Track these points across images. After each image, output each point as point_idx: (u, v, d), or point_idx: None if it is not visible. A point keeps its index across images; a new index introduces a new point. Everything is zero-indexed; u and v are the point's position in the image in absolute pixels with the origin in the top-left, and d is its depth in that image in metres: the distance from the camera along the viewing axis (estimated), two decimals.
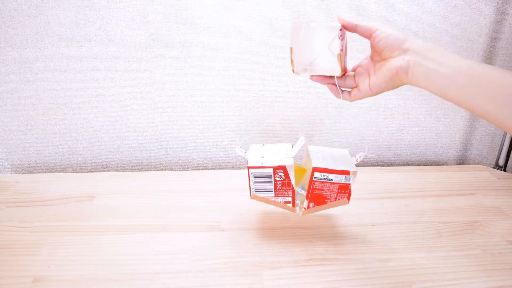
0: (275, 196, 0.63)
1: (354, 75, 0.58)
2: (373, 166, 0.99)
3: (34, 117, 0.86)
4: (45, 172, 0.92)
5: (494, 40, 0.88)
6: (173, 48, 0.82)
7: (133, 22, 0.79)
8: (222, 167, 0.96)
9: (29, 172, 0.91)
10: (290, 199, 0.63)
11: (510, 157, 0.94)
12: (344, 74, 0.58)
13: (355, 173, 0.61)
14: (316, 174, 0.61)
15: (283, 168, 0.61)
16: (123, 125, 0.89)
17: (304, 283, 0.58)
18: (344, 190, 0.62)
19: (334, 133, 0.94)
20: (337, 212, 0.74)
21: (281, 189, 0.63)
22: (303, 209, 0.64)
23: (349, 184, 0.62)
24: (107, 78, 0.84)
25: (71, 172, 0.92)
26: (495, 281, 0.60)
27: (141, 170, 0.94)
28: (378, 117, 0.94)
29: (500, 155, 0.95)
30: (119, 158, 0.92)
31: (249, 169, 0.62)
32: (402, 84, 0.53)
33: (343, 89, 0.59)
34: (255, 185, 0.63)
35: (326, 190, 0.62)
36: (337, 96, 0.59)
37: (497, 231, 0.71)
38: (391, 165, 1.00)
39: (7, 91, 0.83)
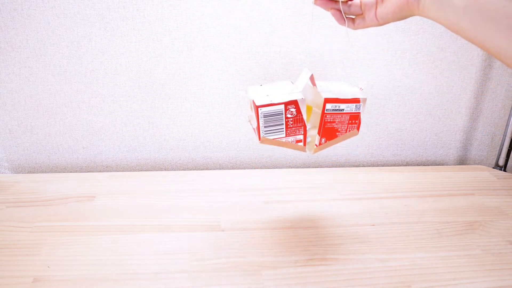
0: (286, 136, 0.59)
1: (360, 2, 0.55)
2: (373, 166, 0.99)
3: (34, 117, 0.86)
4: (45, 172, 0.92)
5: None
6: (173, 48, 0.82)
7: (133, 22, 0.79)
8: (222, 167, 0.96)
9: (29, 172, 0.91)
10: (301, 137, 0.59)
11: (510, 157, 0.94)
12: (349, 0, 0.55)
13: (364, 100, 0.59)
14: (328, 106, 0.57)
15: (295, 103, 0.57)
16: (123, 125, 0.89)
17: (304, 283, 0.58)
18: (354, 120, 0.59)
19: None
20: (337, 212, 0.75)
21: (293, 127, 0.58)
22: (315, 146, 0.61)
23: (359, 113, 0.59)
24: (107, 78, 0.84)
25: (71, 172, 0.92)
26: (495, 281, 0.60)
27: (141, 170, 0.94)
28: (378, 117, 0.94)
29: (500, 155, 0.95)
30: (119, 158, 0.92)
31: (258, 109, 0.56)
32: (412, 15, 0.50)
33: (347, 16, 0.56)
34: (265, 127, 0.58)
35: (337, 122, 0.59)
36: (341, 22, 0.56)
37: (497, 231, 0.71)
38: (391, 165, 1.00)
39: (7, 91, 0.83)
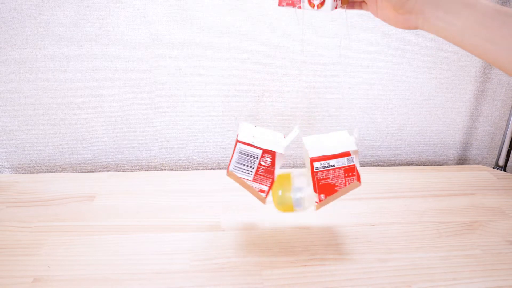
0: (252, 181, 0.60)
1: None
2: (373, 166, 0.99)
3: (34, 117, 0.86)
4: (45, 172, 0.92)
5: None
6: (173, 48, 0.82)
7: (133, 22, 0.79)
8: (222, 167, 0.96)
9: (29, 172, 0.91)
10: (266, 188, 0.60)
11: (510, 157, 0.94)
12: None
13: (356, 152, 0.58)
14: (316, 164, 0.58)
15: (272, 154, 0.58)
16: (123, 125, 0.89)
17: (304, 283, 0.58)
18: (351, 173, 0.59)
19: None
20: (337, 212, 0.74)
21: (262, 175, 0.59)
22: (316, 204, 0.61)
23: (354, 165, 0.58)
24: (107, 78, 0.84)
25: (71, 172, 0.92)
26: (495, 281, 0.60)
27: (141, 170, 0.94)
28: (378, 117, 0.94)
29: (500, 155, 0.95)
30: (119, 158, 0.92)
31: (238, 143, 0.58)
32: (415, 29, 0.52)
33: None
34: (236, 162, 0.59)
35: (332, 177, 0.59)
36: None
37: (497, 231, 0.71)
38: (391, 165, 1.00)
39: (7, 91, 0.83)
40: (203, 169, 0.95)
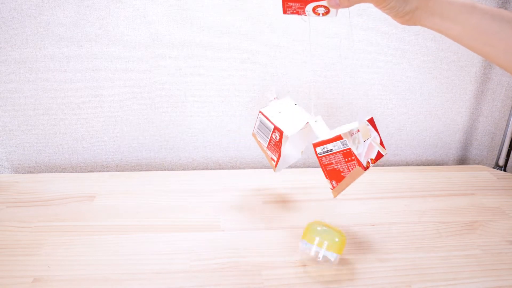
0: (267, 147, 0.67)
1: None
2: (373, 166, 0.99)
3: (34, 117, 0.86)
4: (45, 172, 0.92)
5: None
6: (173, 48, 0.82)
7: (133, 22, 0.79)
8: (222, 167, 0.96)
9: (29, 172, 0.91)
10: (275, 158, 0.66)
11: (510, 157, 0.94)
12: None
13: (347, 135, 0.58)
14: (318, 149, 0.61)
15: (281, 133, 0.63)
16: (123, 125, 0.89)
17: (304, 283, 0.58)
18: (350, 157, 0.59)
19: None
20: (337, 212, 0.75)
21: (273, 147, 0.66)
22: (331, 189, 0.64)
23: (349, 148, 0.59)
24: (107, 78, 0.84)
25: (71, 172, 0.92)
26: (495, 281, 0.60)
27: (141, 170, 0.94)
28: (378, 117, 0.94)
29: (500, 155, 0.95)
30: (119, 158, 0.92)
31: (260, 113, 0.67)
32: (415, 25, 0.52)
33: None
34: (258, 128, 0.68)
35: (335, 162, 0.61)
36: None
37: (497, 231, 0.71)
38: (391, 165, 1.00)
39: (7, 91, 0.83)
40: (203, 169, 0.95)
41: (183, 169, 0.95)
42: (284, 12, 0.56)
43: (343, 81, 0.89)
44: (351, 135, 0.59)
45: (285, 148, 0.67)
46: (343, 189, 0.64)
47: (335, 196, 0.65)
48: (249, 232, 0.68)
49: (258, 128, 0.68)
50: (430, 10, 0.49)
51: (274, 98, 0.69)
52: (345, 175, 0.62)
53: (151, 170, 0.93)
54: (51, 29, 0.78)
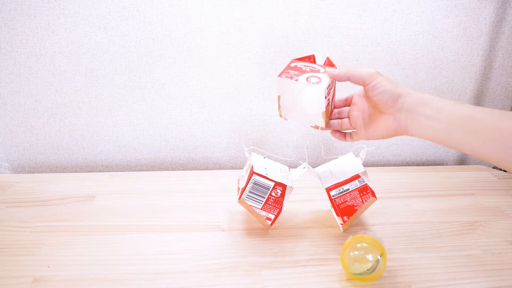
0: (260, 209, 0.65)
1: (349, 120, 0.62)
2: (373, 166, 0.99)
3: (34, 117, 0.86)
4: (45, 172, 0.92)
5: (494, 40, 0.88)
6: (173, 48, 0.82)
7: (133, 22, 0.79)
8: (222, 167, 0.96)
9: (29, 172, 0.91)
10: (272, 217, 0.65)
11: None
12: (330, 117, 0.62)
13: (364, 172, 0.64)
14: (332, 192, 0.65)
15: (283, 187, 0.64)
16: (123, 125, 0.89)
17: (304, 283, 0.58)
18: (365, 192, 0.64)
19: None
20: None
21: (270, 205, 0.64)
22: (341, 225, 0.67)
23: (366, 184, 0.64)
24: (107, 78, 0.84)
25: (71, 172, 0.92)
26: (495, 281, 0.60)
27: (141, 170, 0.94)
28: None
29: None
30: (119, 158, 0.92)
31: (254, 175, 0.63)
32: (402, 135, 0.56)
33: (345, 131, 0.64)
34: (249, 192, 0.64)
35: (350, 200, 0.65)
36: (340, 139, 0.64)
37: (497, 231, 0.71)
38: (391, 165, 1.00)
39: (7, 91, 0.83)
40: (203, 169, 0.95)
41: (183, 169, 0.95)
42: (280, 75, 0.58)
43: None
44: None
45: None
46: (353, 221, 0.67)
47: (344, 230, 0.68)
48: (249, 232, 0.68)
49: (249, 192, 0.63)
50: (421, 101, 0.53)
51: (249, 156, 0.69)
52: (358, 208, 0.65)
53: (151, 170, 0.93)
54: (51, 29, 0.78)
